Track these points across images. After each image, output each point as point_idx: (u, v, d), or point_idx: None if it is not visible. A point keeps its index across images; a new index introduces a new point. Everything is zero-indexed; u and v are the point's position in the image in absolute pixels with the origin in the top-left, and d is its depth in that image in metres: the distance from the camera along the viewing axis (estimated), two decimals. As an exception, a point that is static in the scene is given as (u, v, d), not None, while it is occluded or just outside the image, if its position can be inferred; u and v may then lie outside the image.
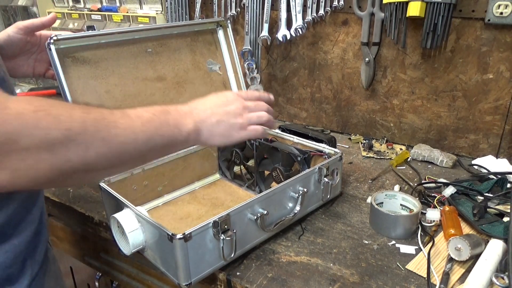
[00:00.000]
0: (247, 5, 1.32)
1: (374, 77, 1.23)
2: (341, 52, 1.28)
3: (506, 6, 0.97)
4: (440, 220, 0.84)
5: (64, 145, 0.46)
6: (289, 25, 1.28)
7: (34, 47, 0.84)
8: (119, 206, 0.75)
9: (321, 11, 1.24)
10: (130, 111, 0.57)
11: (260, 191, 0.95)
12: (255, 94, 0.74)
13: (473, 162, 1.11)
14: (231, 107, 0.68)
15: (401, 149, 1.23)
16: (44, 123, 0.44)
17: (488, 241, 0.74)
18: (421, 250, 0.77)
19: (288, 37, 1.28)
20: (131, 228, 0.71)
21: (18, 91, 1.91)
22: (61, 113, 0.47)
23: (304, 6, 1.25)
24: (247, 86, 1.39)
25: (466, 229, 0.83)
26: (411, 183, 1.02)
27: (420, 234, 0.81)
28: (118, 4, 1.73)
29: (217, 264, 0.71)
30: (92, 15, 1.77)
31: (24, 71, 0.86)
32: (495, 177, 0.96)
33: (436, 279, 0.69)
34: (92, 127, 0.49)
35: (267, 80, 1.46)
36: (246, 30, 1.35)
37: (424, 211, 0.87)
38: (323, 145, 0.98)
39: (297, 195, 0.82)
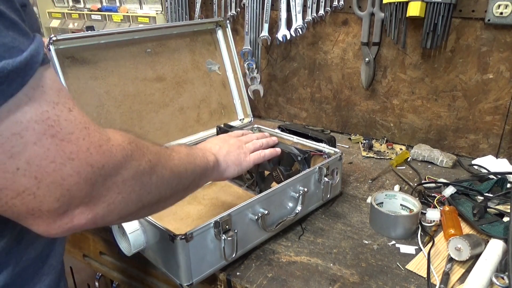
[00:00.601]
0: (247, 5, 1.32)
1: (374, 77, 1.23)
2: (341, 52, 1.28)
3: (506, 6, 0.98)
4: (440, 220, 0.84)
5: (149, 176, 0.46)
6: (289, 25, 1.28)
7: None
8: (119, 207, 0.75)
9: (321, 11, 1.24)
10: (172, 147, 0.59)
11: (260, 191, 0.95)
12: (240, 132, 0.88)
13: (473, 162, 1.11)
14: (231, 141, 0.79)
15: (401, 149, 1.23)
16: (136, 155, 0.44)
17: (488, 241, 0.75)
18: (421, 250, 0.77)
19: (288, 37, 1.28)
20: (132, 229, 0.70)
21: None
22: (143, 145, 0.47)
23: (304, 6, 1.25)
24: (247, 86, 1.39)
25: (466, 229, 0.83)
26: (411, 183, 1.02)
27: (420, 234, 0.81)
28: (118, 4, 1.73)
29: (218, 264, 0.71)
30: (92, 15, 1.77)
31: None
32: (495, 177, 0.97)
33: (436, 279, 0.69)
34: (163, 159, 0.51)
35: (267, 80, 1.46)
36: (246, 30, 1.35)
37: (424, 211, 0.87)
38: (323, 145, 0.98)
39: (297, 195, 0.82)
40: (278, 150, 0.87)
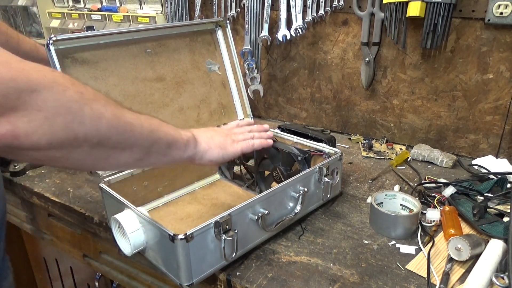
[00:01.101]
0: (247, 5, 1.32)
1: (374, 77, 1.23)
2: (341, 52, 1.28)
3: (506, 6, 0.98)
4: (440, 220, 0.84)
5: (78, 105, 0.47)
6: (289, 25, 1.28)
7: None
8: (120, 207, 0.75)
9: (321, 11, 1.24)
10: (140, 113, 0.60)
11: (260, 191, 0.95)
12: (233, 123, 0.89)
13: (473, 162, 1.11)
14: (220, 130, 0.80)
15: (401, 149, 1.23)
16: (62, 81, 0.46)
17: (488, 241, 0.75)
18: (421, 250, 0.77)
19: (288, 37, 1.28)
20: (132, 229, 0.71)
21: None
22: (80, 84, 0.49)
23: (304, 6, 1.25)
24: (247, 86, 1.39)
25: (466, 229, 0.83)
26: (411, 183, 1.02)
27: (420, 234, 0.81)
28: (118, 4, 1.73)
29: (218, 264, 0.71)
30: (92, 15, 1.77)
31: None
32: (495, 177, 0.97)
33: (436, 279, 0.69)
34: (103, 100, 0.52)
35: (267, 80, 1.46)
36: (246, 30, 1.35)
37: (424, 211, 0.87)
38: (323, 144, 0.98)
39: (297, 194, 0.82)
40: (270, 141, 0.86)
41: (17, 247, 1.46)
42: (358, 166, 1.14)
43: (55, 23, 1.87)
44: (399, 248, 0.78)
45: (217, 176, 1.09)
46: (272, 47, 1.40)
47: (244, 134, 0.82)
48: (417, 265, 0.73)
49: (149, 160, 0.61)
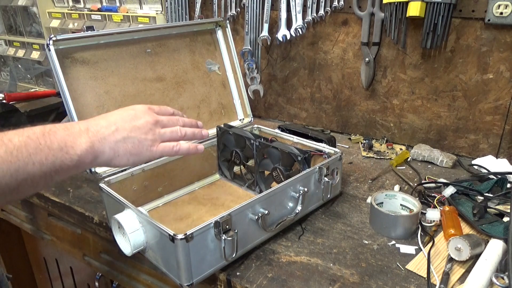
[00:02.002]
0: (247, 5, 1.32)
1: (374, 77, 1.23)
2: (341, 52, 1.28)
3: (506, 6, 0.98)
4: (440, 220, 0.84)
5: None
6: (289, 25, 1.28)
7: None
8: (120, 207, 0.75)
9: (321, 11, 1.24)
10: (20, 131, 0.49)
11: (260, 191, 0.95)
12: (168, 110, 0.67)
13: (473, 162, 1.11)
14: (140, 121, 0.61)
15: (401, 149, 1.23)
16: None
17: (488, 241, 0.75)
18: (421, 250, 0.77)
19: (288, 37, 1.28)
20: (132, 229, 0.70)
21: (18, 91, 1.91)
22: None
23: (304, 6, 1.25)
24: (247, 86, 1.39)
25: (466, 229, 0.83)
26: (411, 183, 1.02)
27: (420, 234, 0.81)
28: (118, 4, 1.73)
29: (218, 264, 0.71)
30: (92, 15, 1.77)
31: None
32: (495, 177, 0.97)
33: (436, 279, 0.69)
34: None
35: (267, 80, 1.46)
36: (246, 30, 1.35)
37: (424, 211, 0.87)
38: (323, 144, 0.98)
39: (297, 194, 0.82)
40: (200, 147, 0.69)
41: (17, 247, 1.46)
42: (358, 166, 1.14)
43: (55, 23, 1.87)
44: (399, 248, 0.78)
45: (217, 176, 1.09)
46: (272, 47, 1.40)
47: (173, 132, 0.65)
48: (417, 265, 0.73)
49: (19, 195, 0.50)
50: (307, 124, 1.44)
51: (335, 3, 1.21)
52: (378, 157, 1.18)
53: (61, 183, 1.05)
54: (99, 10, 1.77)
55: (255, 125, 1.14)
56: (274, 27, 1.34)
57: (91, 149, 0.55)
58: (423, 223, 0.84)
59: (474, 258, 0.72)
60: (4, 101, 1.39)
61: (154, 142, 0.62)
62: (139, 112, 0.62)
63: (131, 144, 0.59)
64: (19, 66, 2.06)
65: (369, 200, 0.95)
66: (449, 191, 0.92)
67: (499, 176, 0.96)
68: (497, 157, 1.12)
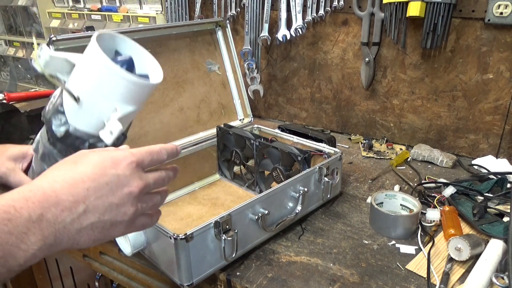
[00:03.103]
0: (247, 5, 1.32)
1: (374, 77, 1.23)
2: (341, 52, 1.28)
3: (506, 6, 0.98)
4: (440, 220, 0.84)
5: None
6: (289, 25, 1.28)
7: None
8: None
9: (321, 11, 1.24)
10: None
11: (260, 191, 0.95)
12: (160, 157, 0.47)
13: (473, 162, 1.11)
14: (121, 193, 0.43)
15: (401, 149, 1.23)
16: None
17: (488, 241, 0.75)
18: (421, 250, 0.77)
19: (288, 37, 1.28)
20: (131, 229, 0.70)
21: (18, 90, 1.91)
22: None
23: (304, 6, 1.25)
24: (247, 86, 1.39)
25: (466, 229, 0.83)
26: (411, 183, 1.02)
27: (420, 234, 0.81)
28: (118, 4, 1.73)
29: (218, 264, 0.71)
30: (92, 15, 1.77)
31: None
32: (495, 177, 0.96)
33: (436, 279, 0.69)
34: None
35: (267, 80, 1.46)
36: (246, 30, 1.35)
37: (424, 211, 0.87)
38: (323, 144, 0.98)
39: (297, 194, 0.82)
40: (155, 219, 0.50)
41: (17, 247, 1.46)
42: (358, 166, 1.14)
43: (55, 23, 1.87)
44: (399, 248, 0.78)
45: (217, 176, 1.09)
46: (272, 47, 1.40)
47: (154, 204, 0.47)
48: (417, 265, 0.73)
49: None
50: (307, 124, 1.44)
51: (335, 3, 1.21)
52: (378, 157, 1.18)
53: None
54: (99, 10, 1.77)
55: (255, 125, 1.14)
56: (274, 27, 1.34)
57: (42, 248, 0.38)
58: (423, 223, 0.84)
59: (474, 258, 0.72)
60: (4, 101, 1.39)
61: (131, 224, 0.45)
62: (122, 178, 0.43)
63: (99, 230, 0.42)
64: (19, 66, 2.06)
65: (369, 200, 0.95)
66: (449, 191, 0.92)
67: (499, 176, 0.96)
68: (497, 157, 1.12)
